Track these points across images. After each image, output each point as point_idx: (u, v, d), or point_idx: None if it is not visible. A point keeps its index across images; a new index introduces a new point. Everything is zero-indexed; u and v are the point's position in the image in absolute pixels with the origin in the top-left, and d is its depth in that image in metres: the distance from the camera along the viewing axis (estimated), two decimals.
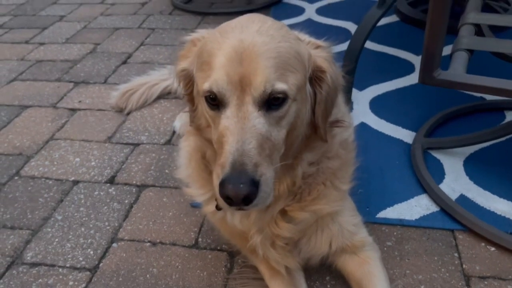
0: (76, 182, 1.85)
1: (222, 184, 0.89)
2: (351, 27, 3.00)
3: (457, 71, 1.26)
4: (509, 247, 1.42)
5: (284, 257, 1.24)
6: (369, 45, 2.72)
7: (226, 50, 0.94)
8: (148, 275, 1.43)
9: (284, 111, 0.96)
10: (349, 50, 2.14)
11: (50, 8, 3.81)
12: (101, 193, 1.79)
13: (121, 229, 1.61)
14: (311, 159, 1.14)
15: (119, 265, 1.47)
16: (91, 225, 1.64)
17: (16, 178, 1.90)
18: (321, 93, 1.04)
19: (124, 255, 1.51)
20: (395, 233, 1.53)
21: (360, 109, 2.18)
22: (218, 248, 1.52)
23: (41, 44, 3.14)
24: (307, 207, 1.18)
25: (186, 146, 1.31)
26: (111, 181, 1.85)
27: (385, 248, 1.47)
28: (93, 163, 1.96)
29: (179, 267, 1.46)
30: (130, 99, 2.30)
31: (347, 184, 1.26)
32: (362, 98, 2.26)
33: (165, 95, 2.41)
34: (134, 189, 1.80)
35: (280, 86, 0.93)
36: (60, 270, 1.47)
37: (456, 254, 1.44)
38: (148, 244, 1.55)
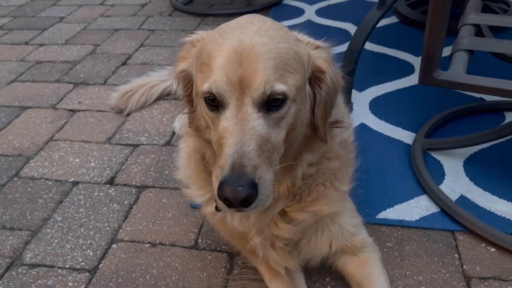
0: (75, 183, 1.85)
1: (221, 186, 0.89)
2: (351, 28, 3.00)
3: (457, 71, 1.26)
4: (510, 248, 1.42)
5: (284, 258, 1.24)
6: (369, 46, 2.72)
7: (225, 51, 0.94)
8: (147, 276, 1.43)
9: (284, 112, 0.96)
10: (349, 51, 2.14)
11: (50, 10, 3.82)
12: (101, 194, 1.79)
13: (120, 230, 1.61)
14: (311, 160, 1.13)
15: (119, 266, 1.47)
16: (90, 226, 1.63)
17: (15, 179, 1.89)
18: (321, 93, 1.04)
19: (124, 256, 1.51)
20: (395, 234, 1.52)
21: (360, 110, 2.17)
22: (218, 249, 1.52)
23: (41, 45, 3.14)
24: (307, 208, 1.18)
25: (186, 147, 1.31)
26: (111, 182, 1.85)
27: (385, 249, 1.47)
28: (92, 164, 1.95)
29: (179, 268, 1.46)
30: (129, 100, 2.30)
31: (347, 184, 1.26)
32: (362, 99, 2.26)
33: (165, 96, 2.41)
34: (133, 190, 1.80)
35: (280, 87, 0.93)
36: (60, 271, 1.47)
37: (456, 255, 1.43)
38: (148, 245, 1.55)
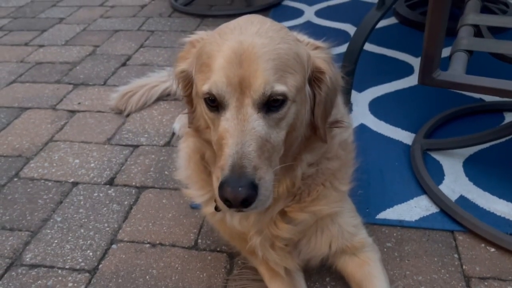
0: (75, 184, 1.85)
1: (221, 186, 0.90)
2: (350, 29, 3.01)
3: (457, 71, 1.26)
4: (509, 248, 1.42)
5: (283, 258, 1.24)
6: (368, 47, 2.72)
7: (225, 52, 0.94)
8: (147, 277, 1.43)
9: (284, 113, 0.96)
10: (349, 52, 2.14)
11: (50, 11, 3.82)
12: (101, 195, 1.79)
13: (120, 231, 1.61)
14: (310, 160, 1.14)
15: (119, 267, 1.47)
16: (90, 227, 1.63)
17: (15, 179, 1.89)
18: (321, 94, 1.04)
19: (124, 256, 1.51)
20: (395, 234, 1.53)
21: (360, 111, 2.18)
22: (218, 249, 1.52)
23: (41, 46, 3.14)
24: (306, 208, 1.18)
25: (185, 148, 1.31)
26: (111, 182, 1.85)
27: (385, 249, 1.47)
28: (92, 165, 1.95)
29: (179, 268, 1.46)
30: (129, 101, 2.30)
31: (347, 185, 1.26)
32: (362, 99, 2.26)
33: (165, 96, 2.41)
34: (133, 191, 1.80)
35: (280, 88, 0.93)
36: (59, 271, 1.47)
37: (456, 255, 1.44)
38: (148, 245, 1.55)
